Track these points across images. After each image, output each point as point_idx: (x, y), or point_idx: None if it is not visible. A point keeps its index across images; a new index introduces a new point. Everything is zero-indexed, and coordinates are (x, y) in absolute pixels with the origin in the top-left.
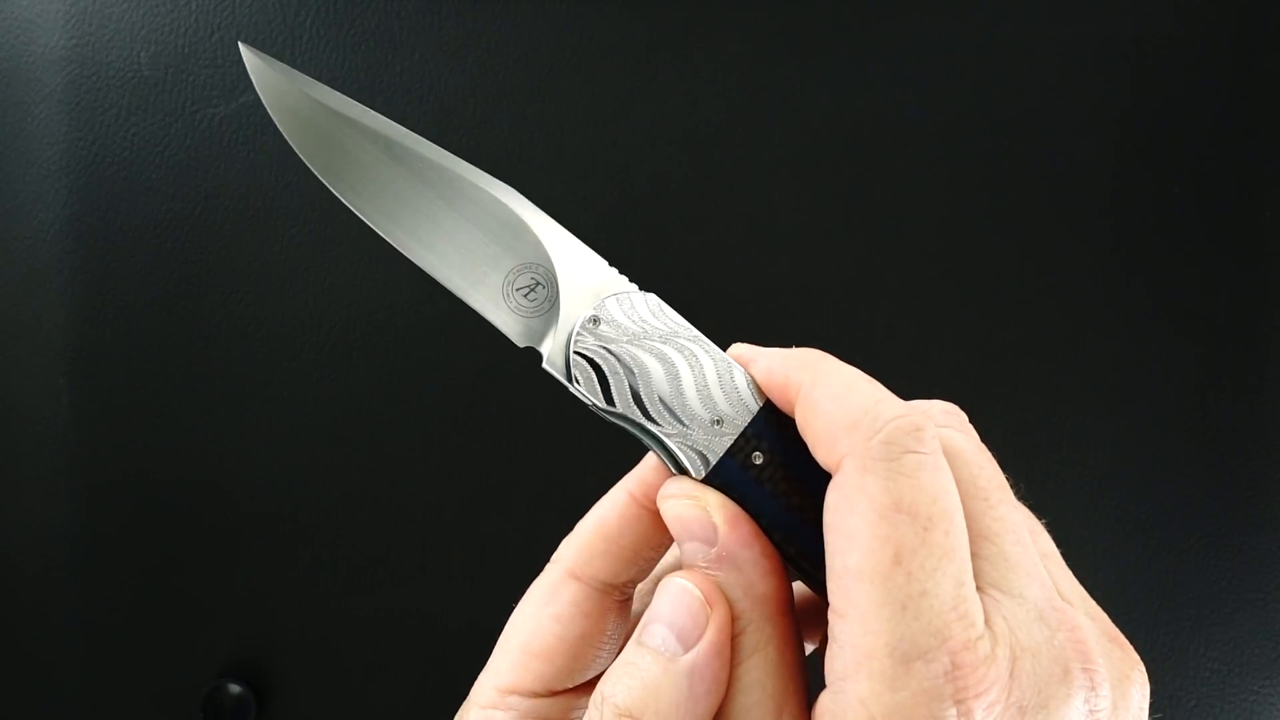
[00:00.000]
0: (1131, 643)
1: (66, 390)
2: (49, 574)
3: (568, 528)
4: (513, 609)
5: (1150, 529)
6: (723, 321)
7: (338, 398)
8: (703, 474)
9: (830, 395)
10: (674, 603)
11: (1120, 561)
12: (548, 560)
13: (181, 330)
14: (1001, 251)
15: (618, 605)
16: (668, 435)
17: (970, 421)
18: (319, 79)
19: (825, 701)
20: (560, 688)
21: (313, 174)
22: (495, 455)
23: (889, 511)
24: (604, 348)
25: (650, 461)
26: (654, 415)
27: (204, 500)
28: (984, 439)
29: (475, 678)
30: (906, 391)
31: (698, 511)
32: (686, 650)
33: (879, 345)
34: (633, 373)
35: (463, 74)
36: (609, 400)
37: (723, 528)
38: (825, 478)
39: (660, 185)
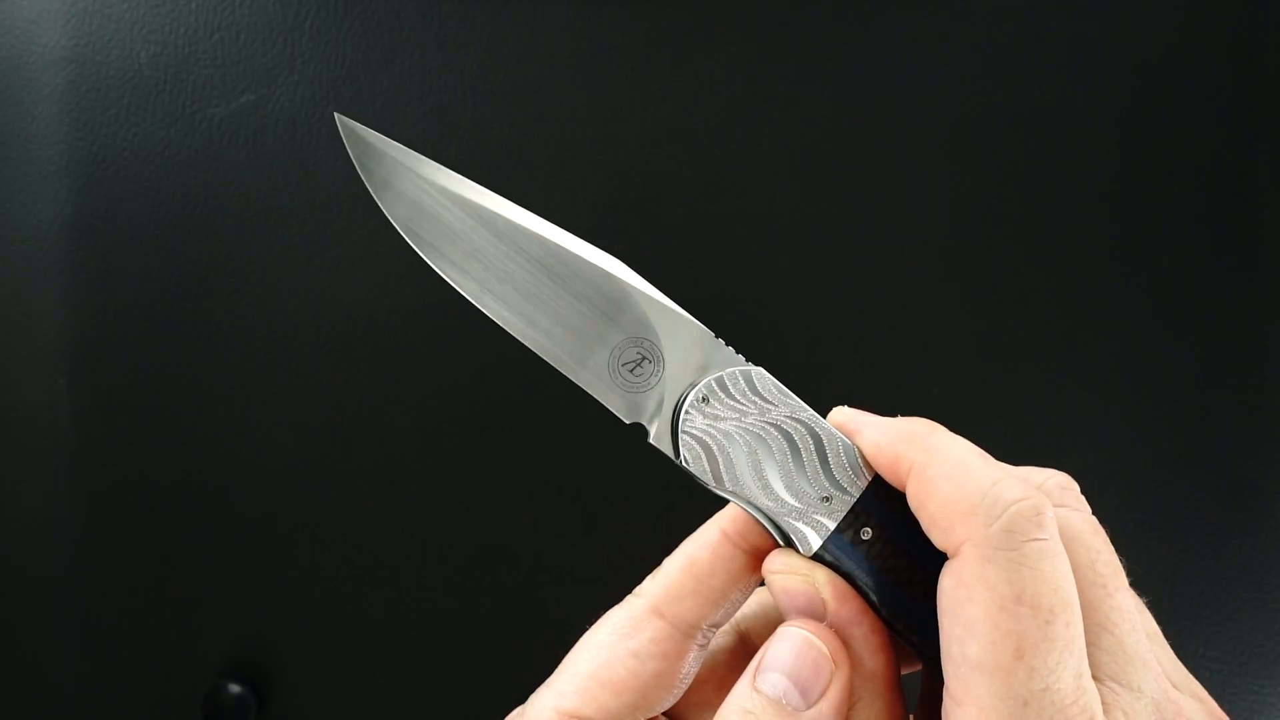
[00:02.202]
0: None
1: (66, 390)
2: (49, 574)
3: (568, 528)
4: (513, 610)
5: (1150, 529)
6: (723, 322)
7: (338, 398)
8: (812, 550)
9: (945, 476)
10: (797, 654)
11: (1120, 562)
12: (549, 559)
13: (182, 330)
14: (1002, 251)
15: (697, 648)
16: (778, 514)
17: (969, 422)
18: (319, 79)
19: None
20: None
21: (312, 174)
22: (495, 455)
23: (1011, 604)
24: (713, 427)
25: None
26: (764, 494)
27: (204, 500)
28: (984, 439)
29: (475, 677)
30: (905, 391)
31: (806, 587)
32: (808, 705)
33: (879, 345)
34: (743, 452)
35: (463, 74)
36: (718, 480)
37: (832, 604)
38: (933, 552)
39: (660, 185)
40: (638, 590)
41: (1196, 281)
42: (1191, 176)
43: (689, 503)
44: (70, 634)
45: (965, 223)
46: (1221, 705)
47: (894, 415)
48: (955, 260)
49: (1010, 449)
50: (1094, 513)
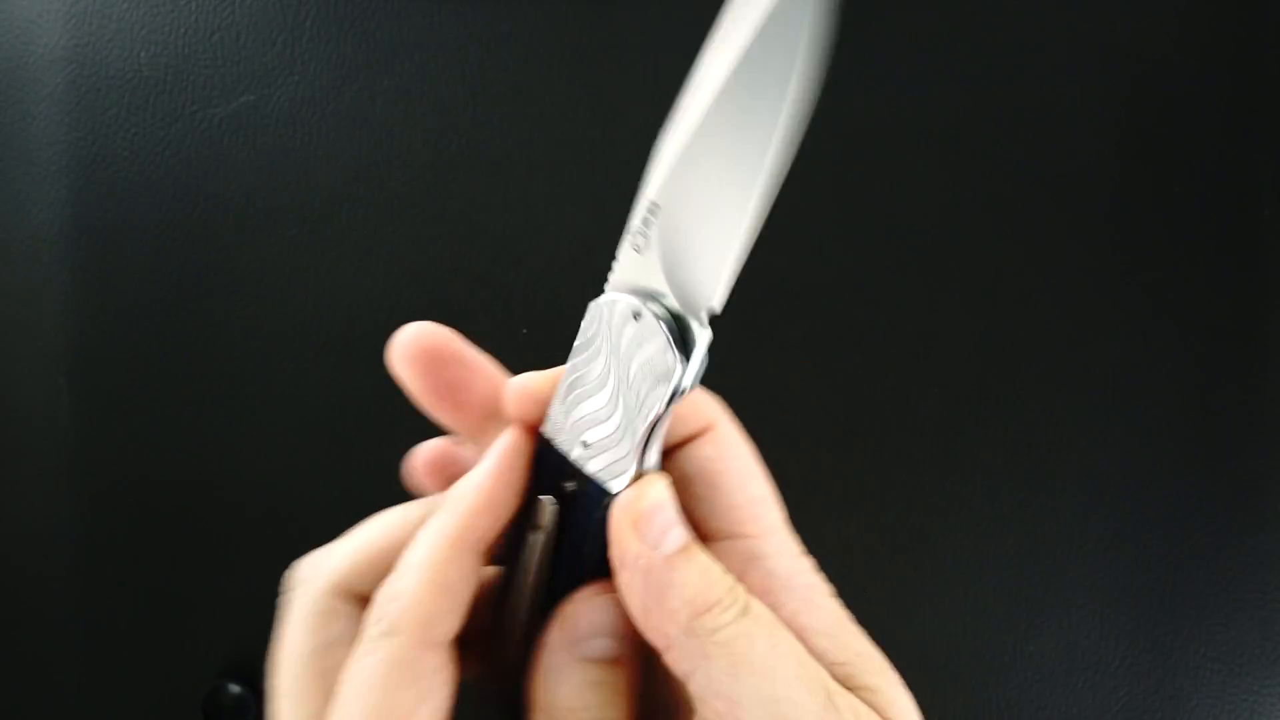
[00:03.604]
0: (1131, 643)
1: (66, 390)
2: (49, 574)
3: None
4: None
5: (1150, 529)
6: (721, 321)
7: (338, 398)
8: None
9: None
10: (605, 609)
11: (1120, 561)
12: None
13: (181, 330)
14: (1002, 251)
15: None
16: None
17: (970, 422)
18: (319, 79)
19: None
20: None
21: (312, 174)
22: None
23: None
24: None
25: (469, 502)
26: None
27: (204, 500)
28: (984, 439)
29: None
30: (905, 391)
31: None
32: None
33: (879, 345)
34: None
35: (463, 74)
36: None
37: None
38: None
39: None
40: (386, 629)
41: (1196, 281)
42: (1191, 176)
43: None
44: (70, 634)
45: (966, 223)
46: (1221, 705)
47: (903, 417)
48: (955, 260)
49: (1011, 449)
50: (1094, 512)
